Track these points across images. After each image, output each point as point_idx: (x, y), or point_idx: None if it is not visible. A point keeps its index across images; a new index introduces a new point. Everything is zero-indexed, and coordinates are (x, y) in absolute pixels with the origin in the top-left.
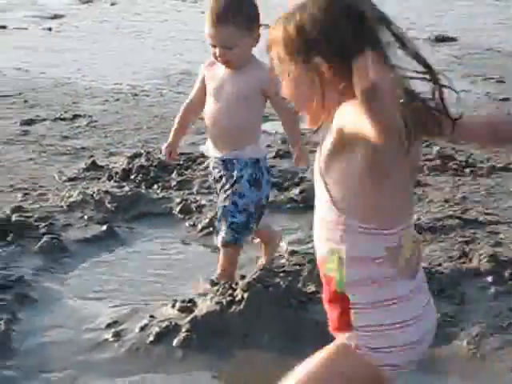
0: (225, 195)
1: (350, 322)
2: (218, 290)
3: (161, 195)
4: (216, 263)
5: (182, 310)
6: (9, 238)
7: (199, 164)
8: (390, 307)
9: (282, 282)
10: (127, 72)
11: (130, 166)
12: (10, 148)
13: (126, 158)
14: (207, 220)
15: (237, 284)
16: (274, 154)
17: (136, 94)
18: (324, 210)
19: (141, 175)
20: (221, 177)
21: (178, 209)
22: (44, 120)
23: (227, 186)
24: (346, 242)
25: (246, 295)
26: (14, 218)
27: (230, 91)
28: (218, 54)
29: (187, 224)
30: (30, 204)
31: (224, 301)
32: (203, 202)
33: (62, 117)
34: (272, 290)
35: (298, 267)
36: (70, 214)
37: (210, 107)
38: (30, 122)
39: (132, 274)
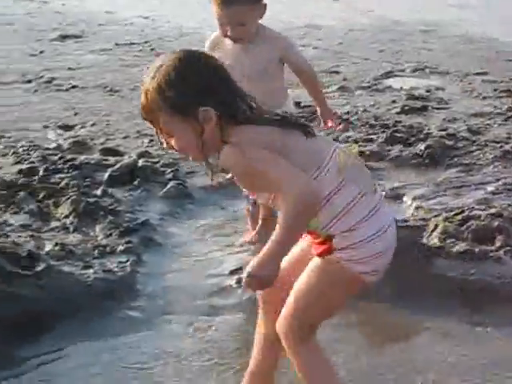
0: None
1: (332, 248)
2: None
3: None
4: None
5: None
6: (135, 183)
7: None
8: (360, 227)
9: (406, 236)
10: None
11: None
12: (137, 95)
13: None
14: None
15: None
16: (399, 109)
17: None
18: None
19: None
20: None
21: None
22: None
23: None
24: None
25: None
26: (140, 162)
27: (247, 67)
28: (230, 33)
29: None
30: (156, 150)
31: None
32: None
33: None
34: (396, 244)
35: (422, 222)
36: (194, 162)
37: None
38: None
39: None
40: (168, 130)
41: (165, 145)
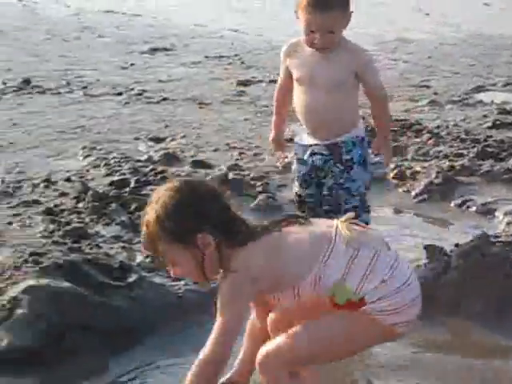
0: (333, 181)
1: (363, 303)
2: (432, 257)
3: (375, 160)
4: (430, 231)
5: None
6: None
7: (414, 131)
8: (390, 279)
9: (498, 252)
10: None
11: None
12: (227, 108)
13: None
14: (421, 187)
15: (452, 251)
16: (490, 124)
17: None
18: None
19: None
20: (325, 162)
21: (392, 175)
22: (260, 81)
23: (336, 171)
24: (332, 275)
25: (461, 262)
26: (230, 175)
27: (326, 77)
28: (317, 41)
29: (401, 190)
30: (246, 163)
31: (439, 267)
32: (418, 168)
33: (277, 79)
34: (488, 259)
35: None
36: (284, 175)
37: (303, 96)
38: (246, 83)
39: None
40: (170, 257)
41: (171, 273)
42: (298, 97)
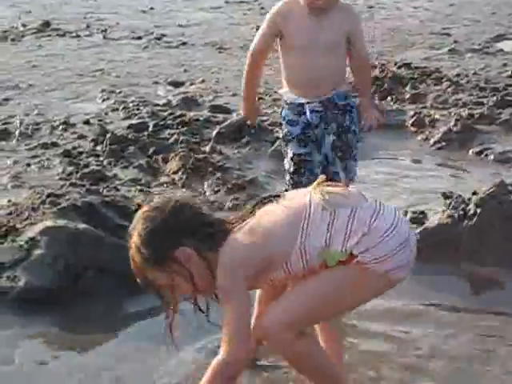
0: (334, 137)
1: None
2: (450, 204)
3: (394, 107)
4: (448, 178)
5: (412, 220)
6: (244, 140)
7: (434, 79)
8: (371, 229)
9: None
10: None
11: None
12: (246, 53)
13: None
14: (440, 134)
15: (470, 199)
16: (510, 73)
17: (371, 7)
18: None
19: (375, 86)
20: (321, 119)
21: (410, 122)
22: None
23: (338, 117)
24: (316, 242)
25: (478, 210)
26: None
27: (324, 41)
28: (321, 1)
29: (419, 138)
30: (264, 108)
31: (456, 215)
32: (437, 116)
33: None
34: (506, 207)
35: None
36: None
37: (299, 60)
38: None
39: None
40: (164, 284)
41: (172, 305)
42: (292, 60)
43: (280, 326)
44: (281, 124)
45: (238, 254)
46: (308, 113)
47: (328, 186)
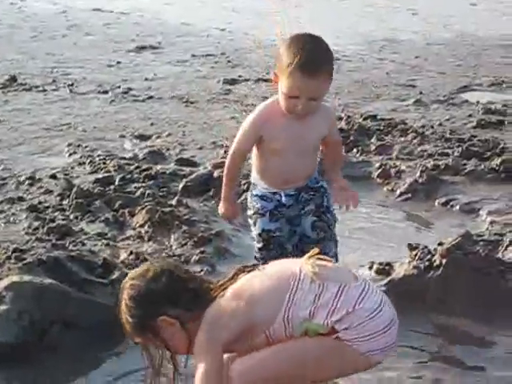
0: (314, 218)
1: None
2: (416, 255)
3: (360, 159)
4: (414, 229)
5: (379, 272)
6: (210, 193)
7: (399, 130)
8: (356, 309)
9: (481, 250)
10: (330, 36)
11: None
12: (213, 106)
13: None
14: (406, 185)
15: (435, 250)
16: (475, 123)
17: (338, 59)
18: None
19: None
20: (296, 201)
21: (376, 173)
22: (246, 80)
23: (315, 198)
24: (299, 313)
25: (444, 261)
26: (216, 173)
27: (306, 144)
28: (301, 107)
29: (385, 189)
30: None
31: (422, 266)
32: (402, 167)
33: (264, 78)
34: (471, 257)
35: (497, 236)
36: None
37: (279, 161)
38: (232, 82)
39: None
40: (150, 345)
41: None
42: (270, 162)
43: (250, 379)
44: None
45: (222, 319)
46: (283, 196)
47: (319, 259)
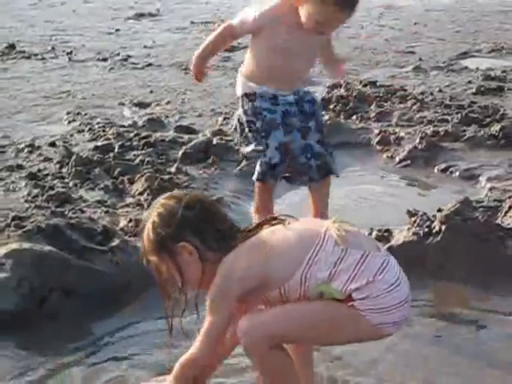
0: (318, 135)
1: (351, 300)
2: (415, 221)
3: (359, 126)
4: (413, 196)
5: (378, 238)
6: (209, 160)
7: (399, 97)
8: (377, 279)
9: (480, 217)
10: None
11: (330, 95)
12: (212, 73)
13: (325, 88)
14: (405, 152)
15: (434, 216)
16: (474, 90)
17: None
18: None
19: (340, 105)
20: (299, 111)
21: (376, 140)
22: (245, 47)
23: (314, 124)
24: (318, 274)
25: (443, 227)
26: (215, 140)
27: (309, 51)
28: (326, 33)
29: (385, 156)
30: (231, 128)
31: (421, 232)
32: (402, 134)
33: None
34: (470, 223)
35: (497, 203)
36: None
37: (282, 59)
38: (231, 49)
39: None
40: (162, 269)
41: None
42: (270, 57)
43: (258, 335)
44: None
45: (238, 270)
46: (282, 105)
47: (345, 224)
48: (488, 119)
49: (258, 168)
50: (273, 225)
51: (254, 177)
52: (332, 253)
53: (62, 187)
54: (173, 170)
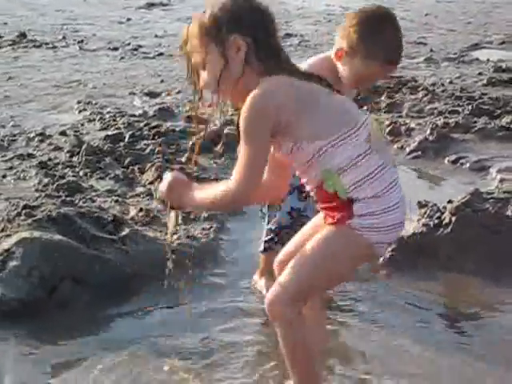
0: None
1: (351, 214)
2: (425, 212)
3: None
4: (424, 187)
5: None
6: (220, 150)
7: (410, 88)
8: (385, 195)
9: (491, 208)
10: None
11: None
12: None
13: None
14: (415, 143)
15: (445, 207)
16: (485, 81)
17: None
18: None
19: None
20: None
21: (387, 131)
22: None
23: None
24: (333, 159)
25: (453, 218)
26: (225, 130)
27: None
28: (364, 87)
29: (395, 146)
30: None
31: (431, 223)
32: (412, 125)
33: None
34: (480, 215)
35: (507, 194)
36: None
37: None
38: None
39: None
40: (200, 57)
41: (194, 84)
42: None
43: (282, 301)
44: None
45: (280, 94)
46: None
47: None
48: (498, 111)
49: (264, 238)
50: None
51: (260, 249)
52: (359, 146)
53: (73, 176)
54: (183, 159)
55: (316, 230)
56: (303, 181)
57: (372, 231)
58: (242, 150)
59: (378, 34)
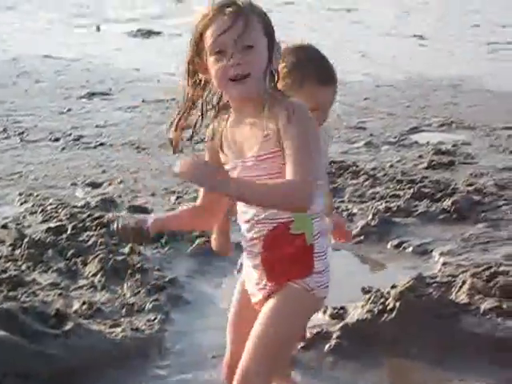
0: None
1: (310, 269)
2: (369, 298)
3: None
4: (367, 272)
5: (333, 316)
6: (162, 240)
7: (351, 173)
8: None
9: (434, 293)
10: None
11: None
12: (165, 152)
13: None
14: (358, 228)
15: (388, 293)
16: (426, 164)
17: None
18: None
19: None
20: None
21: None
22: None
23: None
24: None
25: (397, 304)
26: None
27: None
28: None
29: None
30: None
31: (376, 309)
32: (354, 210)
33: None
34: (424, 299)
35: (450, 278)
36: None
37: None
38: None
39: None
40: (252, 38)
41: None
42: None
43: (255, 375)
44: None
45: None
46: None
47: None
48: (439, 194)
49: None
50: None
51: None
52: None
53: (15, 270)
54: (126, 250)
55: (248, 310)
56: (251, 220)
57: (320, 287)
58: (299, 154)
59: (306, 61)
